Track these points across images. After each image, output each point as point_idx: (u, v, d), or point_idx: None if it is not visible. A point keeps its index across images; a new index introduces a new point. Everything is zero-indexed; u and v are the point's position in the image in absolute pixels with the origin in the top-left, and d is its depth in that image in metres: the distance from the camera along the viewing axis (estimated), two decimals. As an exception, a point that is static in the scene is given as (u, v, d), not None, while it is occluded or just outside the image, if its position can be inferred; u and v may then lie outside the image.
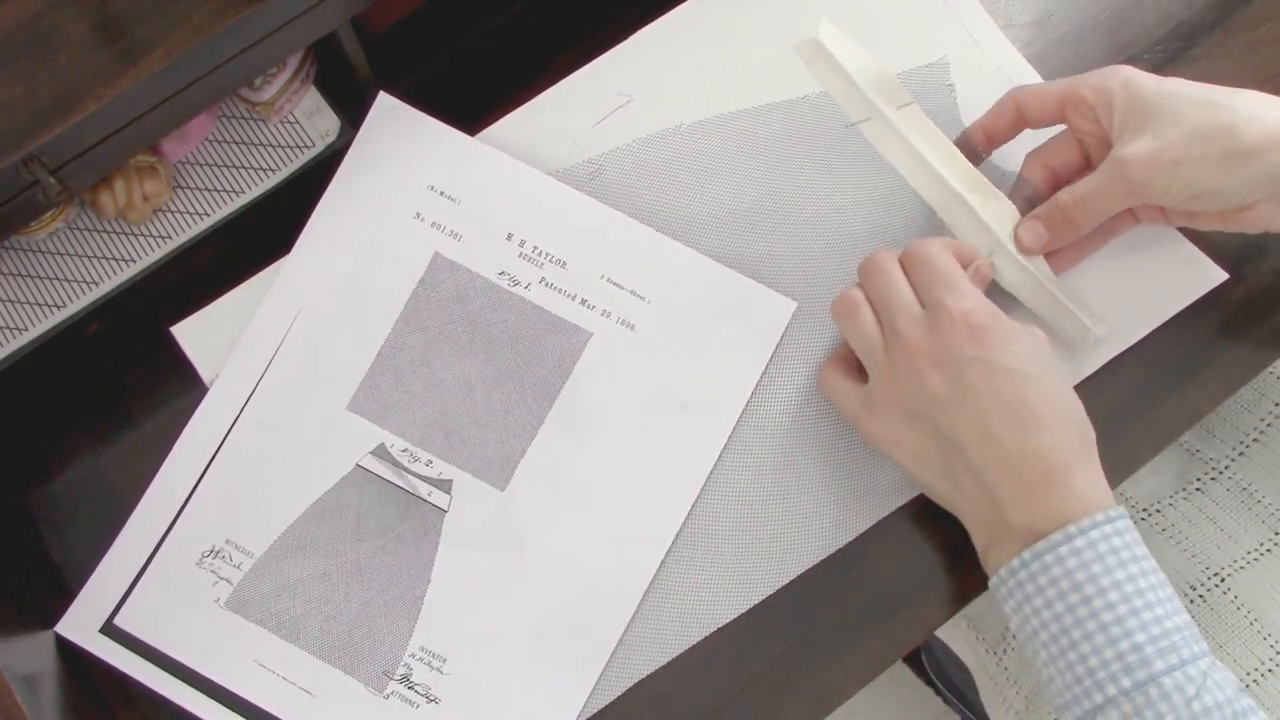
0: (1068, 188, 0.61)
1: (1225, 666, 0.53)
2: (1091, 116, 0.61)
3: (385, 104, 0.67)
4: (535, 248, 0.65)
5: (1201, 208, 0.60)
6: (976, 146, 0.66)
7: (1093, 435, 0.57)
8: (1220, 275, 0.65)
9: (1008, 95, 0.64)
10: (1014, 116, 0.64)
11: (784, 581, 0.62)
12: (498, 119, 0.68)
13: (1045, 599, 0.54)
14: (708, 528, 0.62)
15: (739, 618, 0.61)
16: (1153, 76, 0.60)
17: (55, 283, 0.66)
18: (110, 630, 0.61)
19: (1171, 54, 0.70)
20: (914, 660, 1.11)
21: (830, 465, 0.63)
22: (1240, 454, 0.73)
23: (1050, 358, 0.58)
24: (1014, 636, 0.56)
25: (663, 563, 0.62)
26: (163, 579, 0.61)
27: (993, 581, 0.57)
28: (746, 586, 0.62)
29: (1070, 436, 0.56)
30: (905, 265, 0.60)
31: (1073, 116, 0.62)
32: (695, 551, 0.62)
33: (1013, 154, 0.66)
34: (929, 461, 0.59)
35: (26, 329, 0.65)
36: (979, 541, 0.58)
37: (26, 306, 0.65)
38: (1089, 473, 0.56)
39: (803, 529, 0.62)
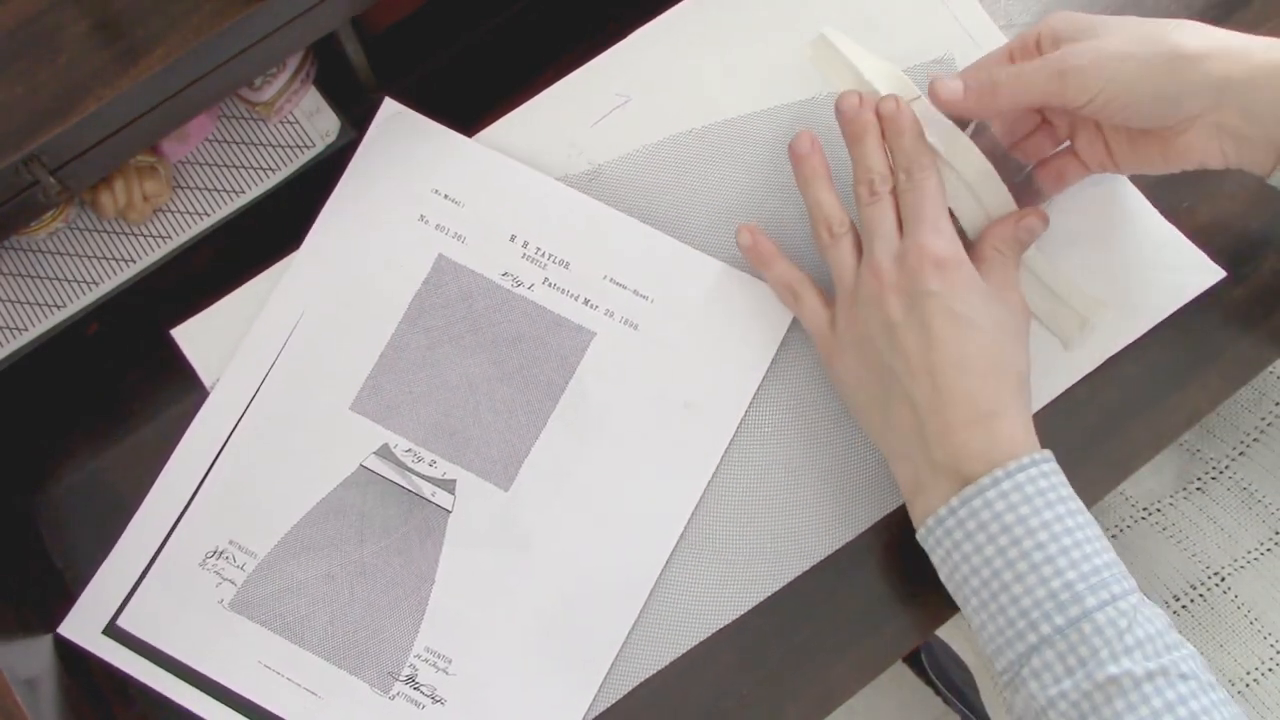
0: (1006, 67, 0.60)
1: (1153, 603, 0.54)
2: (1035, 53, 0.61)
3: (390, 109, 0.67)
4: (538, 249, 0.65)
5: (1141, 121, 0.59)
6: (1037, 183, 0.65)
7: (1028, 400, 0.58)
8: (1218, 273, 0.65)
9: (972, 90, 0.62)
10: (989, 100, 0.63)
11: (785, 581, 0.62)
12: (497, 119, 0.68)
13: (975, 544, 0.54)
14: (711, 527, 0.62)
15: (740, 617, 0.61)
16: (1093, 15, 0.60)
17: (55, 283, 0.66)
18: (113, 631, 0.61)
19: (1171, 54, 0.70)
20: (914, 660, 1.11)
21: (833, 463, 0.63)
22: (1240, 454, 0.73)
23: (1016, 323, 0.59)
24: (944, 584, 0.57)
25: (667, 562, 0.62)
26: (166, 580, 0.61)
27: (920, 532, 0.57)
28: (749, 586, 0.62)
29: (1004, 389, 0.56)
30: (897, 183, 0.60)
31: (1020, 60, 0.62)
32: (698, 551, 0.62)
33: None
34: (867, 388, 0.59)
35: (26, 329, 0.65)
36: (905, 488, 0.58)
37: (26, 306, 0.65)
38: (1017, 422, 0.56)
39: (805, 528, 0.62)
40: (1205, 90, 0.57)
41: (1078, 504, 0.55)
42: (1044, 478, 0.55)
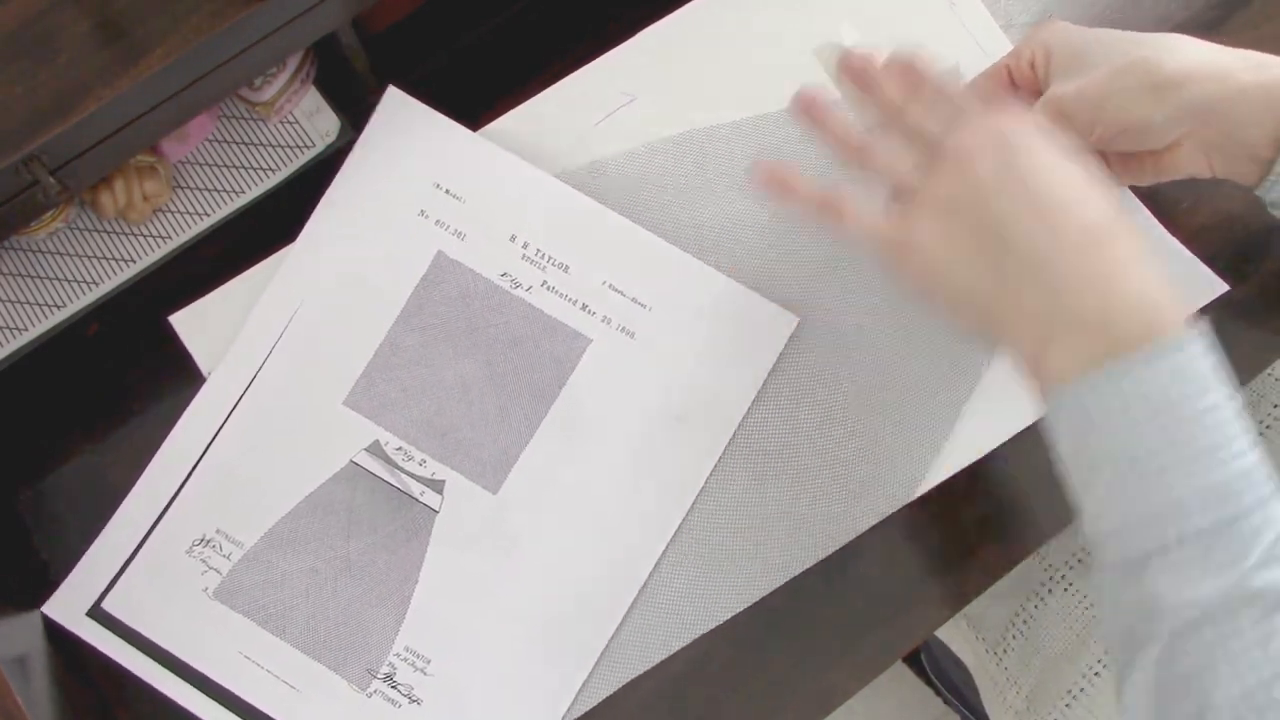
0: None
1: None
2: (1031, 74, 0.62)
3: (394, 98, 0.67)
4: (539, 250, 0.65)
5: (1130, 145, 0.60)
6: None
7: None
8: (1220, 286, 0.65)
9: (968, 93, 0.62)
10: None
11: (780, 582, 0.62)
12: (497, 119, 0.68)
13: (1130, 418, 0.48)
14: (702, 530, 0.62)
15: (739, 618, 0.61)
16: (1082, 27, 0.61)
17: (55, 283, 0.66)
18: (97, 614, 0.61)
19: (1171, 54, 0.70)
20: (914, 660, 1.11)
21: (832, 463, 0.63)
22: (1240, 454, 0.73)
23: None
24: (1060, 460, 0.52)
25: (655, 566, 0.62)
26: (152, 565, 0.62)
27: (1051, 396, 0.51)
28: (740, 589, 0.62)
29: (1114, 207, 0.52)
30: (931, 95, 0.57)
31: (1017, 78, 0.63)
32: (689, 552, 0.62)
33: None
34: (967, 256, 0.53)
35: (26, 329, 0.65)
36: (1029, 347, 0.52)
37: (26, 306, 0.65)
38: (1144, 253, 0.51)
39: (798, 531, 0.62)
40: (1189, 115, 0.58)
41: (1227, 390, 0.49)
42: (1203, 357, 0.49)
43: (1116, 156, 0.62)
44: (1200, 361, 0.49)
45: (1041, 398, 0.52)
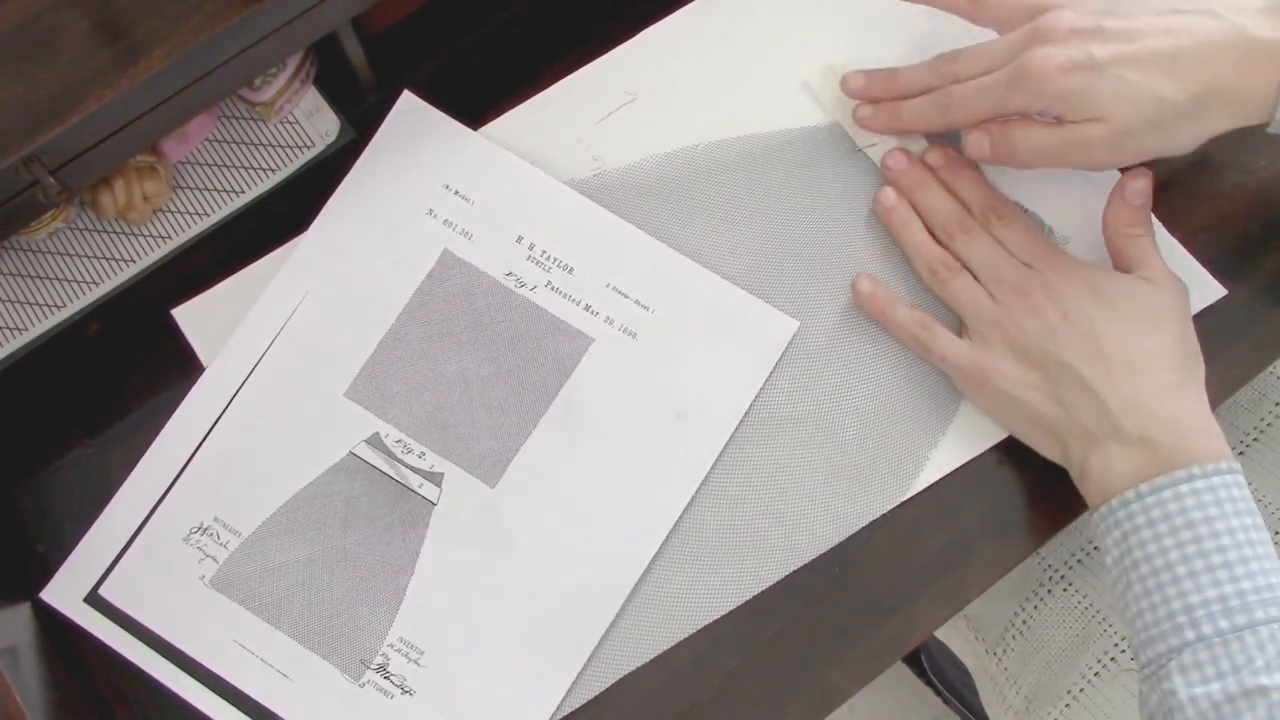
0: (1025, 131, 0.61)
1: None
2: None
3: (408, 103, 0.67)
4: (544, 251, 0.66)
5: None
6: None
7: (1203, 377, 0.60)
8: (1219, 291, 0.65)
9: None
10: None
11: (775, 580, 0.62)
12: (497, 119, 0.68)
13: (1155, 533, 0.55)
14: (699, 527, 0.62)
15: (738, 617, 0.61)
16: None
17: (55, 283, 0.66)
18: (94, 600, 0.61)
19: (1171, 54, 0.70)
20: (914, 660, 1.11)
21: (829, 463, 0.63)
22: (1240, 454, 0.73)
23: (1167, 301, 0.61)
24: (1109, 568, 0.58)
25: (650, 564, 0.62)
26: (149, 552, 0.62)
27: (1101, 511, 0.57)
28: (737, 584, 0.62)
29: (1175, 362, 0.58)
30: (992, 219, 0.64)
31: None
32: (685, 549, 0.62)
33: (1020, 185, 0.66)
34: (1039, 388, 0.60)
35: (26, 329, 0.65)
36: (1079, 456, 0.59)
37: (26, 306, 0.65)
38: (1200, 399, 0.58)
39: (795, 529, 0.62)
40: (1204, 137, 0.59)
41: (1259, 519, 0.55)
42: (1236, 486, 0.55)
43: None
44: (1233, 489, 0.55)
45: (1091, 505, 0.59)
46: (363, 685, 0.60)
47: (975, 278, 0.63)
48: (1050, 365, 0.59)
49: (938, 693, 1.03)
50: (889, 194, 0.65)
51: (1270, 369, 0.72)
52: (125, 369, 0.66)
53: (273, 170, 0.68)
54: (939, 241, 0.64)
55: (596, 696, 0.60)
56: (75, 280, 0.66)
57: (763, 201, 0.67)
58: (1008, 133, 0.61)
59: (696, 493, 0.62)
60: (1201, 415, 0.58)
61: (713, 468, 0.63)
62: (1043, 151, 0.60)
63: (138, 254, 0.66)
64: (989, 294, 0.62)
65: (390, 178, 0.66)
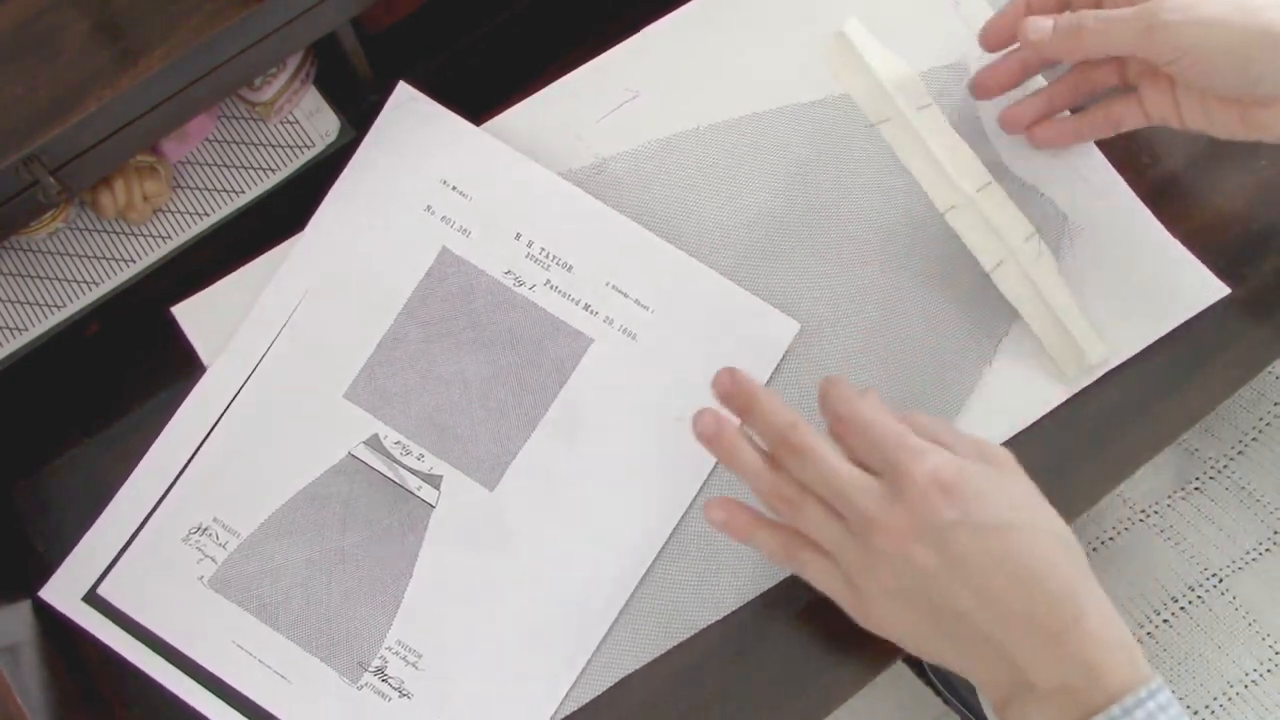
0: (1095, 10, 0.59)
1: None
2: None
3: (404, 94, 0.67)
4: (543, 249, 0.65)
5: (1218, 90, 0.57)
6: (998, 33, 0.64)
7: (1081, 552, 0.53)
8: (1221, 290, 0.65)
9: None
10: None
11: (776, 580, 0.61)
12: (499, 115, 0.68)
13: None
14: (698, 530, 0.62)
15: (737, 618, 0.61)
16: None
17: (55, 283, 0.66)
18: (93, 599, 0.61)
19: (1171, 54, 0.70)
20: (914, 660, 1.11)
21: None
22: (1239, 453, 0.73)
23: (1019, 477, 0.54)
24: None
25: (651, 565, 0.62)
26: (149, 552, 0.62)
27: None
28: (737, 585, 0.62)
29: (1072, 572, 0.52)
30: (838, 435, 0.55)
31: (1036, 3, 0.62)
32: (684, 551, 0.62)
33: (1032, 165, 0.66)
34: (930, 637, 0.54)
35: (26, 329, 0.65)
36: (994, 696, 0.53)
37: (26, 306, 0.65)
38: (1102, 612, 0.52)
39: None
40: None
41: None
42: (1162, 712, 0.50)
43: (1196, 99, 0.60)
44: (1158, 716, 0.50)
45: None
46: (360, 688, 0.60)
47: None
48: (938, 612, 0.52)
49: (938, 693, 1.02)
50: (707, 422, 0.55)
51: (1270, 369, 0.72)
52: (125, 369, 0.66)
53: (273, 170, 0.68)
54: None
55: (595, 698, 0.60)
56: (75, 280, 0.66)
57: (759, 187, 0.67)
58: (1074, 13, 0.58)
59: (696, 495, 0.62)
60: (1107, 628, 0.51)
61: (713, 469, 0.63)
62: (1114, 20, 0.57)
63: (138, 254, 0.66)
64: (846, 529, 0.53)
65: (387, 172, 0.66)
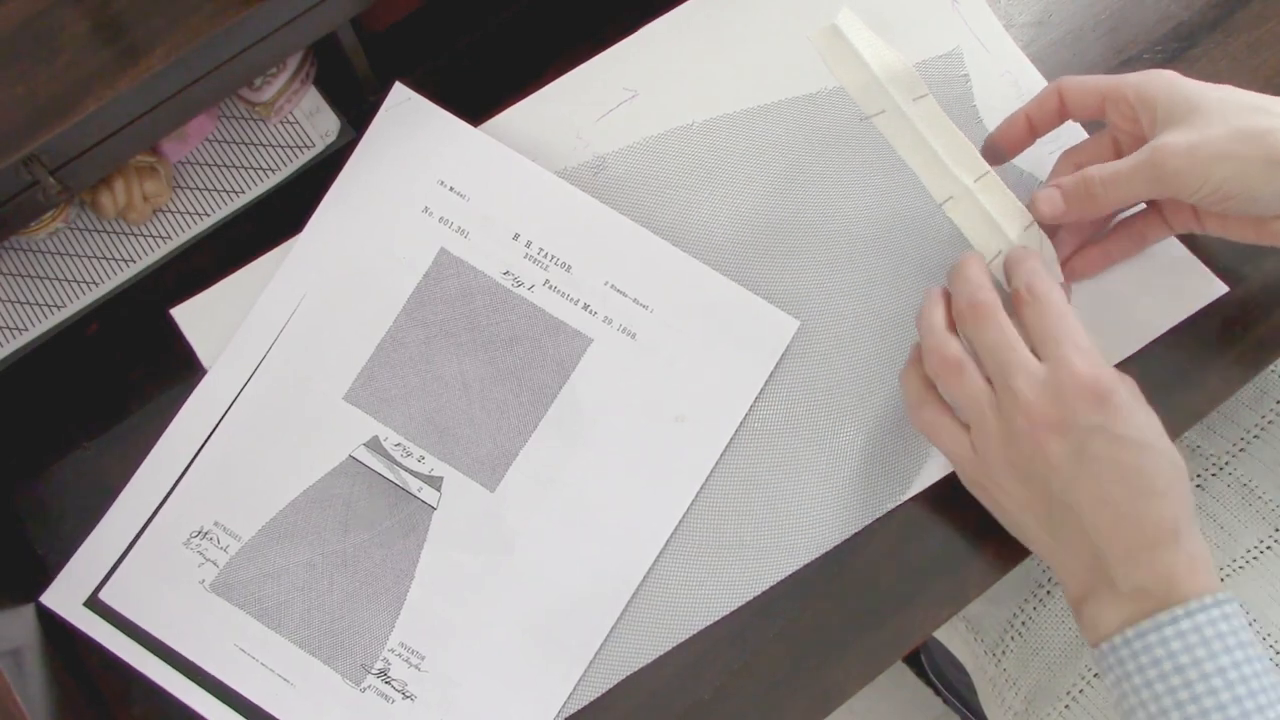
0: (1098, 165, 0.60)
1: None
2: (1131, 115, 0.61)
3: (400, 95, 0.67)
4: (541, 249, 0.65)
5: (1233, 210, 0.59)
6: (1001, 148, 0.65)
7: (1190, 486, 0.57)
8: (1220, 288, 0.65)
9: (1052, 84, 0.63)
10: (1057, 104, 0.63)
11: (775, 580, 0.61)
12: (497, 114, 0.68)
13: (1145, 679, 0.53)
14: (699, 528, 0.62)
15: (738, 618, 0.61)
16: (1198, 81, 0.59)
17: (55, 283, 0.66)
18: (94, 605, 0.61)
19: (1171, 54, 0.70)
20: (914, 660, 1.11)
21: (829, 462, 0.63)
22: (1241, 450, 0.73)
23: (1147, 405, 0.57)
24: (1114, 704, 0.56)
25: (651, 565, 0.62)
26: (149, 556, 0.62)
27: (1095, 652, 0.56)
28: (737, 585, 0.62)
29: (1182, 504, 0.55)
30: (1018, 303, 0.58)
31: (1113, 113, 0.62)
32: (686, 551, 0.62)
33: (1030, 153, 0.66)
34: (1030, 520, 0.58)
35: (26, 329, 0.65)
36: (1073, 590, 0.57)
37: (26, 306, 0.65)
38: (1196, 540, 0.55)
39: (795, 529, 0.62)
40: None
41: (1256, 650, 0.54)
42: (1224, 620, 0.53)
43: (1216, 215, 0.61)
44: (1220, 624, 0.53)
45: (1086, 638, 0.57)
46: (364, 690, 0.60)
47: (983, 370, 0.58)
48: (1052, 500, 0.56)
49: (938, 693, 1.03)
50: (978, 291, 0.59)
51: (1272, 367, 0.72)
52: (125, 369, 0.66)
53: (273, 170, 0.68)
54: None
55: (597, 699, 0.60)
56: (75, 280, 0.66)
57: (756, 183, 0.67)
58: (1080, 174, 0.60)
59: (697, 494, 0.62)
60: (1194, 551, 0.55)
61: (713, 469, 0.63)
62: (1121, 176, 0.59)
63: (138, 254, 0.66)
64: (994, 399, 0.57)
65: (384, 173, 0.66)
